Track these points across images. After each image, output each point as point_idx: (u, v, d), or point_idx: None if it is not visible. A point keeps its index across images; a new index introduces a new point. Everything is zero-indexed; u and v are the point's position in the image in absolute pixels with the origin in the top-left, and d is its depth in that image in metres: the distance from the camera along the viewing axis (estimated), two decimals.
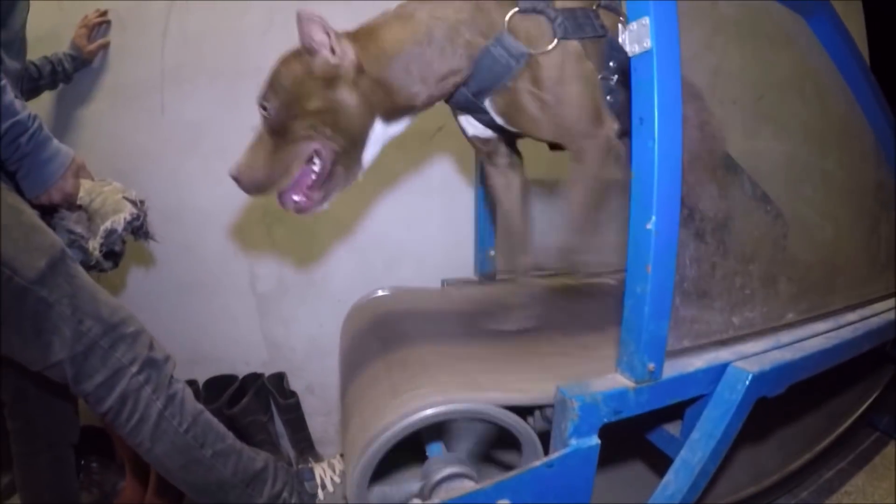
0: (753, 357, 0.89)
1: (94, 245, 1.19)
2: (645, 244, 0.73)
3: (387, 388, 0.93)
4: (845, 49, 1.28)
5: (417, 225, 1.86)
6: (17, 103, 1.09)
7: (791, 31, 1.26)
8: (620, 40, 0.78)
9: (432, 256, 1.79)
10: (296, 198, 0.98)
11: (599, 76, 0.98)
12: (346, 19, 0.97)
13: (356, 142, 0.96)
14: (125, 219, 1.21)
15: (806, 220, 1.25)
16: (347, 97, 0.93)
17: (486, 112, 1.03)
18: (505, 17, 0.94)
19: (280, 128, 0.93)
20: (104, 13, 1.85)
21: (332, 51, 0.91)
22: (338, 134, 0.94)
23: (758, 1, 1.19)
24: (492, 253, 1.52)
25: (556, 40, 0.93)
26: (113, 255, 1.23)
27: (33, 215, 1.14)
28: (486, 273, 1.53)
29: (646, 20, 0.74)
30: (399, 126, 1.00)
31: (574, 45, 0.96)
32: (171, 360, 1.18)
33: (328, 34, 0.91)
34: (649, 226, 0.73)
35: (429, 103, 0.99)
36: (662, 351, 0.77)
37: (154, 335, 1.19)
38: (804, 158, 1.29)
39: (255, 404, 1.77)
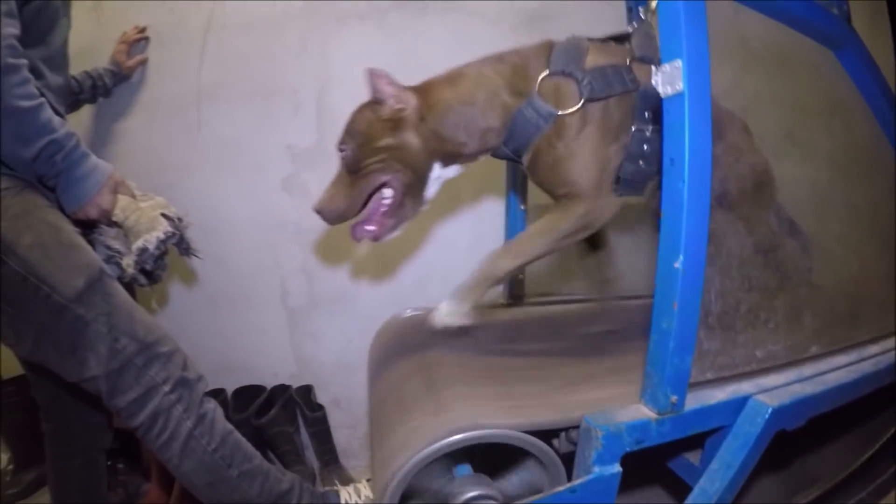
0: (774, 390, 0.92)
1: (128, 262, 1.23)
2: (672, 282, 0.78)
3: (417, 410, 0.99)
4: (873, 81, 1.31)
5: (446, 245, 1.91)
6: (56, 121, 1.14)
7: (819, 64, 1.29)
8: (653, 82, 0.83)
9: (461, 277, 1.81)
10: (368, 227, 1.12)
11: (633, 128, 1.04)
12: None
13: (420, 177, 1.11)
14: (158, 237, 1.24)
15: (832, 252, 1.27)
16: (411, 138, 1.08)
17: (522, 164, 1.14)
18: (539, 74, 1.05)
19: (355, 165, 1.09)
20: (143, 30, 1.92)
21: (398, 100, 1.08)
22: (405, 168, 1.09)
23: (787, 35, 1.22)
24: (521, 277, 1.56)
25: (581, 101, 1.02)
26: (148, 273, 1.27)
27: (73, 233, 1.19)
28: (514, 295, 1.57)
29: (678, 63, 0.79)
30: (453, 170, 1.16)
31: (600, 107, 1.04)
32: (203, 380, 1.23)
33: (393, 85, 1.08)
34: (677, 265, 0.77)
35: (476, 154, 1.14)
36: (685, 384, 0.81)
37: (186, 344, 1.24)
38: (830, 190, 1.31)
39: (283, 416, 1.83)
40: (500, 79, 1.09)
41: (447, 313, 1.10)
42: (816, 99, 1.35)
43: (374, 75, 1.09)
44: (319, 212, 1.12)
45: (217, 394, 1.88)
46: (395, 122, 1.08)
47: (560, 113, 1.03)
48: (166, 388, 1.15)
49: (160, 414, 1.14)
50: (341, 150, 1.12)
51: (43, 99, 1.12)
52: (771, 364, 1.00)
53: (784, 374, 1.00)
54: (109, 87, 1.85)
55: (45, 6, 1.25)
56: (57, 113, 1.20)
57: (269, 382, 1.96)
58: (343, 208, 1.11)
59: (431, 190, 1.14)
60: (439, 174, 1.14)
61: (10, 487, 2.07)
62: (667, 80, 0.81)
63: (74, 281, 1.11)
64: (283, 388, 1.93)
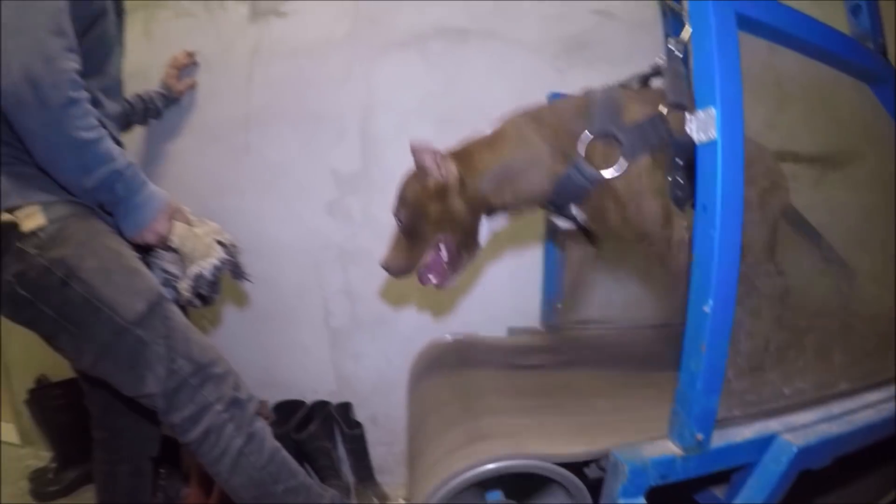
0: (801, 429, 0.94)
1: (184, 286, 1.28)
2: (701, 325, 0.81)
3: (454, 435, 1.06)
4: None
5: (486, 272, 1.93)
6: (115, 151, 1.19)
7: (856, 99, 1.30)
8: (687, 129, 0.87)
9: (499, 303, 1.88)
10: (432, 278, 1.23)
11: (668, 178, 1.08)
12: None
13: (470, 233, 1.22)
14: (213, 264, 1.28)
15: (865, 286, 1.29)
16: (456, 204, 1.18)
17: (571, 214, 1.21)
18: (580, 138, 1.12)
19: (411, 230, 1.21)
20: (192, 55, 2.01)
21: (440, 170, 1.16)
22: (454, 231, 1.20)
23: (822, 72, 1.22)
24: (559, 305, 1.61)
25: (625, 164, 1.09)
26: (202, 296, 1.31)
27: (133, 258, 1.25)
28: (551, 324, 1.62)
29: (712, 111, 0.82)
30: (501, 220, 1.26)
31: (643, 158, 1.10)
32: (254, 400, 1.29)
33: (435, 158, 1.16)
34: (706, 308, 0.80)
35: (520, 206, 1.22)
36: (712, 423, 0.85)
37: (231, 358, 1.30)
38: (866, 224, 1.33)
39: (321, 431, 1.88)
40: (543, 143, 1.16)
41: None
42: (853, 134, 1.36)
43: (416, 149, 1.17)
44: (386, 268, 1.24)
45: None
46: (440, 191, 1.17)
47: (606, 177, 1.11)
48: (219, 406, 1.21)
49: (212, 431, 1.20)
50: (397, 219, 1.23)
51: (104, 130, 1.18)
52: (799, 401, 1.02)
53: (812, 411, 1.01)
54: (160, 110, 1.93)
55: (102, 37, 1.32)
56: (115, 141, 1.26)
57: (310, 398, 2.01)
58: (404, 266, 1.23)
59: (484, 238, 1.24)
60: (488, 225, 1.24)
61: (52, 485, 2.18)
62: (701, 127, 0.84)
63: (136, 305, 1.17)
64: (322, 405, 1.98)
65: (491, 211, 1.23)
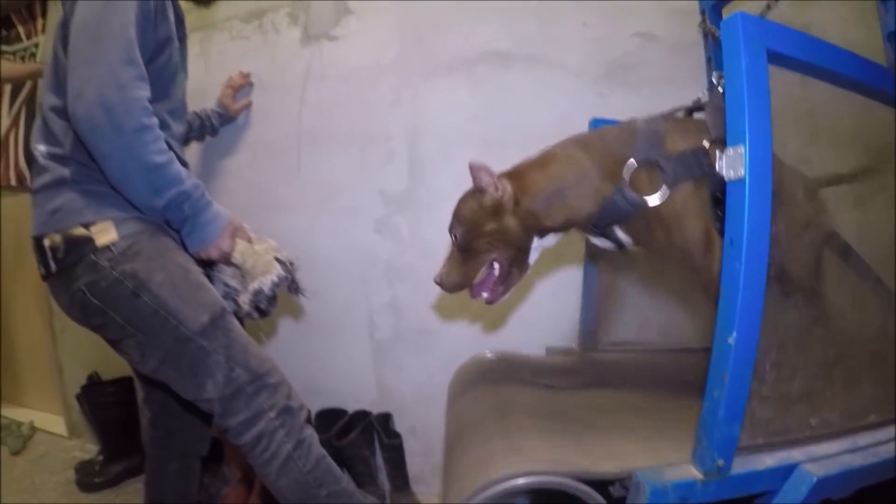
0: (824, 459, 0.94)
1: (244, 300, 1.37)
2: (725, 355, 0.85)
3: (489, 448, 1.13)
4: None
5: (525, 291, 1.96)
6: (183, 172, 1.29)
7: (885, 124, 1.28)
8: (717, 166, 0.92)
9: (538, 322, 1.95)
10: (484, 293, 1.27)
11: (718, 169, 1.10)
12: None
13: (522, 251, 1.26)
14: (272, 280, 1.37)
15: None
16: (510, 222, 1.22)
17: (614, 236, 1.26)
18: (626, 163, 1.17)
19: (465, 246, 1.24)
20: (247, 75, 2.13)
21: (496, 189, 1.20)
22: (508, 247, 1.23)
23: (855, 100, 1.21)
24: (596, 327, 1.65)
25: (667, 191, 1.13)
26: (261, 310, 1.40)
27: (199, 273, 1.36)
28: (588, 345, 1.66)
29: (741, 149, 0.85)
30: (552, 239, 1.29)
31: (686, 186, 1.14)
32: (304, 409, 1.38)
33: (492, 177, 1.21)
34: (730, 340, 0.84)
35: (568, 226, 1.27)
36: (732, 450, 0.88)
37: (278, 363, 1.39)
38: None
39: (361, 439, 1.96)
40: (591, 165, 1.21)
41: None
42: (883, 160, 1.37)
43: (474, 168, 1.21)
44: (440, 283, 1.28)
45: None
46: (496, 209, 1.22)
47: (650, 203, 1.15)
48: (272, 414, 1.31)
49: (264, 436, 1.30)
50: (453, 235, 1.27)
51: (172, 153, 1.28)
52: (825, 431, 1.02)
53: (839, 442, 1.01)
54: (216, 127, 2.06)
55: (168, 63, 1.42)
56: (181, 161, 1.37)
57: (352, 407, 2.10)
58: (459, 282, 1.27)
59: (533, 257, 1.29)
60: (538, 244, 1.27)
61: (98, 476, 2.35)
62: (730, 164, 0.87)
63: (200, 317, 1.28)
64: (363, 414, 2.06)
65: (542, 230, 1.26)
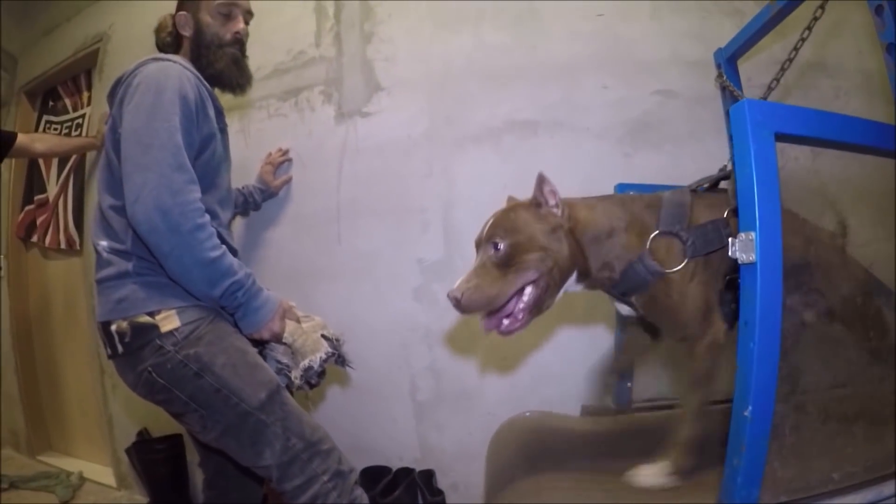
0: None
1: (295, 375, 1.50)
2: (741, 427, 0.95)
3: None
4: None
5: (561, 349, 2.06)
6: (235, 264, 1.42)
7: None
8: (730, 250, 0.99)
9: (574, 379, 1.99)
10: (507, 321, 1.22)
11: (727, 277, 1.20)
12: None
13: (563, 281, 1.25)
14: (321, 357, 1.51)
15: None
16: (565, 242, 1.23)
17: (632, 302, 1.34)
18: (650, 230, 1.25)
19: (509, 260, 1.20)
20: (285, 152, 2.30)
21: (558, 206, 1.25)
22: (556, 268, 1.22)
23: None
24: (629, 384, 1.73)
25: (685, 261, 1.21)
26: (311, 384, 1.54)
27: (255, 354, 1.50)
28: (623, 404, 1.74)
29: (752, 234, 0.94)
30: (578, 287, 1.31)
31: (704, 258, 1.22)
32: (354, 472, 1.52)
33: (557, 195, 1.25)
34: (746, 413, 0.94)
35: (598, 280, 1.29)
36: None
37: (325, 424, 1.51)
38: None
39: (406, 496, 2.08)
40: (625, 223, 1.27)
41: (650, 475, 1.26)
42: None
43: (542, 180, 1.23)
44: (457, 299, 1.17)
45: None
46: (554, 227, 1.22)
47: (666, 272, 1.22)
48: (325, 478, 1.45)
49: (318, 498, 1.43)
50: (494, 246, 1.21)
51: (224, 247, 1.41)
52: (848, 483, 1.07)
53: (862, 494, 1.06)
54: (259, 203, 2.22)
55: (213, 156, 1.56)
56: (231, 248, 1.51)
57: (395, 465, 2.22)
58: (489, 298, 1.18)
59: (559, 296, 1.27)
60: (570, 285, 1.28)
61: None
62: (742, 248, 0.96)
63: (259, 394, 1.42)
64: (406, 471, 2.17)
65: (581, 270, 1.26)
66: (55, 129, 3.38)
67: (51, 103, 3.48)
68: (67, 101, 3.39)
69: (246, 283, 1.43)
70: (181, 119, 1.42)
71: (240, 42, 1.75)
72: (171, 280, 1.43)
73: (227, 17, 1.71)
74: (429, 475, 2.17)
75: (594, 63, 2.09)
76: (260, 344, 1.56)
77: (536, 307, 1.23)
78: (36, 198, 3.46)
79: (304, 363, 1.51)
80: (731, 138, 1.70)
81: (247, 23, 1.77)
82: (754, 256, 0.93)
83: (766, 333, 0.94)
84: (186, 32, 1.70)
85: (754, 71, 1.98)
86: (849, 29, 1.24)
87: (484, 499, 1.55)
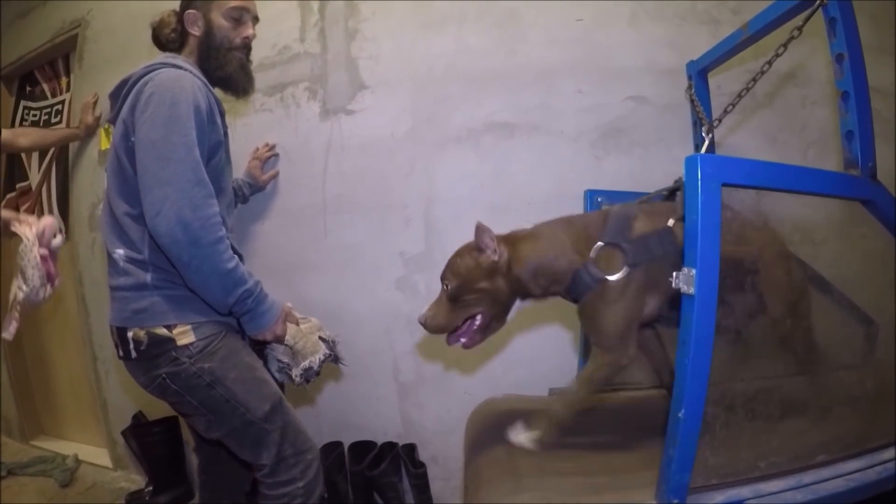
0: (769, 496, 1.15)
1: (296, 374, 1.67)
2: (675, 426, 1.09)
3: (499, 486, 1.39)
4: None
5: (532, 336, 2.22)
6: (246, 272, 1.51)
7: (849, 217, 1.43)
8: (674, 285, 1.08)
9: (542, 362, 2.20)
10: (463, 339, 1.47)
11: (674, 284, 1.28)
12: None
13: (505, 309, 1.47)
14: (319, 359, 1.68)
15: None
16: (501, 284, 1.42)
17: None
18: (595, 243, 1.38)
19: (456, 297, 1.43)
20: (272, 147, 2.39)
21: (495, 252, 1.40)
22: (494, 305, 1.44)
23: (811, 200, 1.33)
24: None
25: (624, 269, 1.34)
26: (308, 380, 1.71)
27: (262, 370, 1.65)
28: None
29: (692, 271, 1.03)
30: (529, 302, 1.49)
31: (644, 268, 1.35)
32: (321, 486, 1.72)
33: (493, 241, 1.39)
34: (680, 415, 1.08)
35: (548, 295, 1.47)
36: (685, 492, 1.12)
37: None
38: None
39: (390, 468, 2.27)
40: (569, 241, 1.41)
41: (522, 437, 1.47)
42: (851, 250, 1.54)
43: (480, 229, 1.38)
44: (423, 324, 1.45)
45: (336, 446, 2.38)
46: (491, 270, 1.39)
47: (606, 278, 1.34)
48: (300, 483, 1.65)
49: (287, 498, 1.65)
50: (444, 284, 1.45)
51: (236, 258, 1.50)
52: (774, 471, 1.21)
53: (785, 480, 1.20)
54: (247, 196, 2.30)
55: (220, 161, 1.64)
56: (237, 253, 1.58)
57: (380, 439, 2.39)
58: (442, 325, 1.45)
59: (512, 313, 1.49)
60: (518, 304, 1.49)
61: None
62: (684, 281, 1.06)
63: (263, 406, 1.59)
64: (391, 445, 2.37)
65: (526, 295, 1.45)
66: (34, 116, 3.37)
67: (28, 88, 3.49)
68: (45, 87, 3.40)
69: (255, 290, 1.54)
70: (197, 132, 1.48)
71: (248, 47, 1.80)
72: (188, 293, 1.53)
73: (238, 21, 1.75)
74: (411, 448, 2.37)
75: (571, 68, 2.22)
76: (262, 344, 1.70)
77: (486, 329, 1.47)
78: (18, 185, 3.52)
79: (305, 364, 1.68)
80: (696, 147, 1.91)
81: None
82: (693, 290, 1.05)
83: (699, 352, 1.07)
84: (195, 31, 1.72)
85: (725, 79, 2.12)
86: (820, 40, 1.34)
87: (462, 468, 1.69)
